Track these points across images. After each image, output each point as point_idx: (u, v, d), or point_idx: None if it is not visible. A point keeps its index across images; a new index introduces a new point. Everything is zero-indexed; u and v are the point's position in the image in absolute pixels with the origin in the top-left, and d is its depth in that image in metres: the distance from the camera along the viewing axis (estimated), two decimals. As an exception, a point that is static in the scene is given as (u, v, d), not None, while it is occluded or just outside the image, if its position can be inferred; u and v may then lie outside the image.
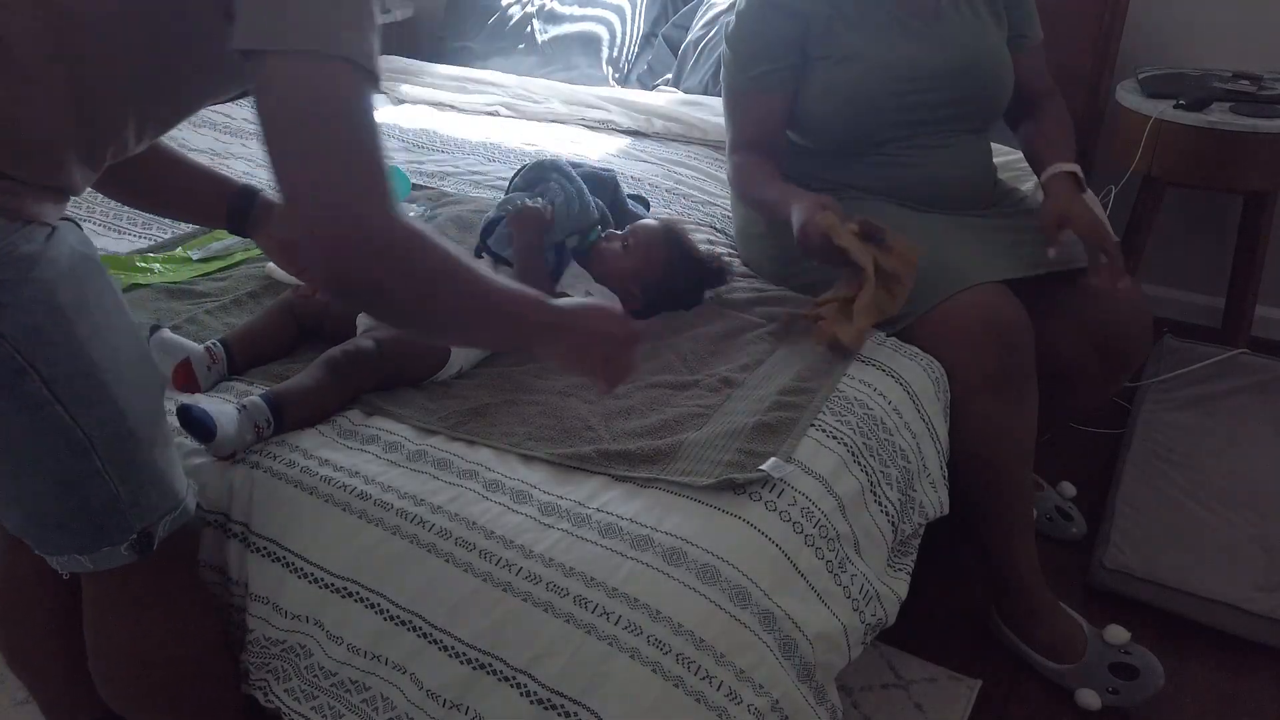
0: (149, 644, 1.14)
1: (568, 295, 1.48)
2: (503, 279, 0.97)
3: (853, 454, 1.25)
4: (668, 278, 1.55)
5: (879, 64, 1.55)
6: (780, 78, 1.59)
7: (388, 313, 0.92)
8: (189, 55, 0.95)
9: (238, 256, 1.76)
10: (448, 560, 1.09)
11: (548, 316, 0.99)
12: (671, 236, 1.58)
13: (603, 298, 1.50)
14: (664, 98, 2.51)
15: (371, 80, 0.84)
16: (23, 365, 0.92)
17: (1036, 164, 1.64)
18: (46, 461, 0.97)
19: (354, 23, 0.82)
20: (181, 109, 1.04)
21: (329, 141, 0.81)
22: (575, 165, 1.66)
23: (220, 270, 1.71)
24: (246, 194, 1.30)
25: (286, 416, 1.25)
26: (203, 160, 2.32)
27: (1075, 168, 1.55)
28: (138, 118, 0.97)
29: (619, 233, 1.59)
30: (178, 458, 1.09)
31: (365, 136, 0.83)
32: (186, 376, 1.33)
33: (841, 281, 1.43)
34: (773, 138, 1.64)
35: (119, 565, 1.04)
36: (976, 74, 1.59)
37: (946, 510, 1.41)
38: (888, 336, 1.48)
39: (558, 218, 1.51)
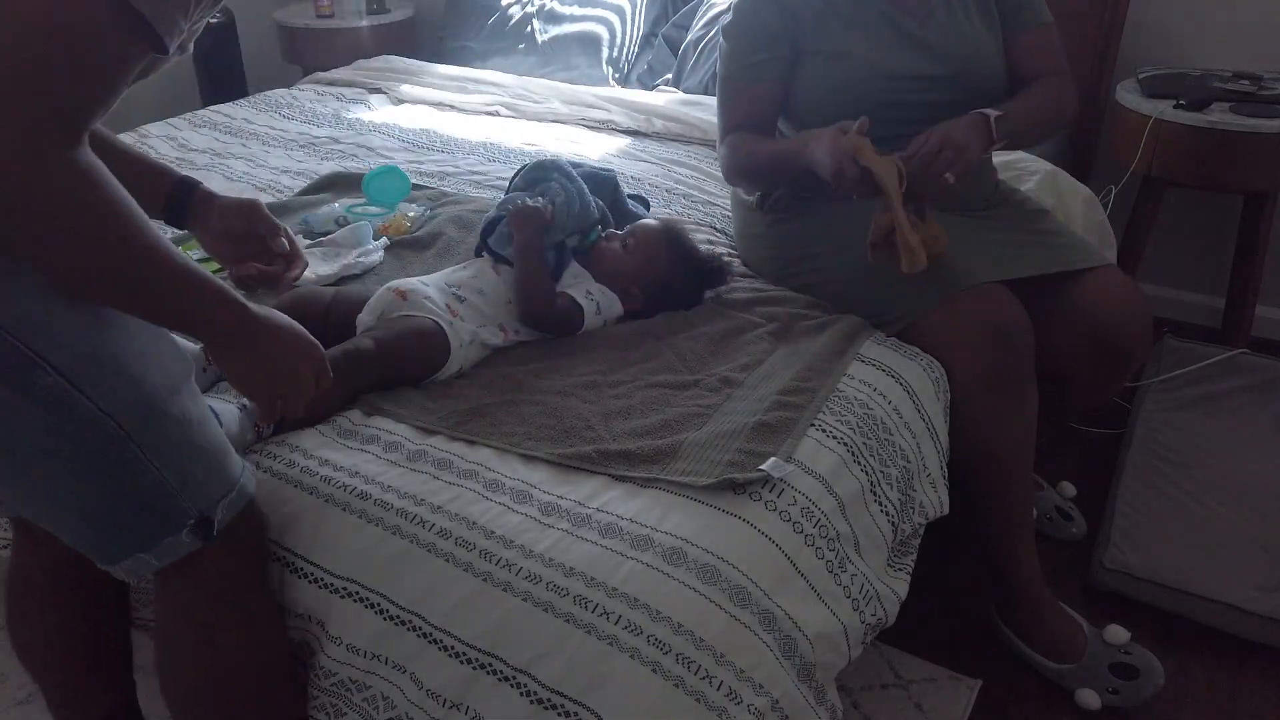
0: (219, 650, 1.09)
1: (569, 294, 1.48)
2: (193, 262, 0.91)
3: (853, 454, 1.25)
4: (668, 278, 1.55)
5: (868, 63, 1.56)
6: (772, 68, 1.60)
7: (21, 249, 0.84)
8: None
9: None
10: (448, 560, 1.09)
11: (243, 321, 0.95)
12: (672, 236, 1.58)
13: (603, 297, 1.51)
14: (664, 98, 2.51)
15: (152, 40, 0.78)
16: (30, 357, 0.87)
17: None
18: (83, 459, 0.93)
19: None
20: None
21: (63, 60, 0.75)
22: (575, 165, 1.66)
23: (218, 271, 1.71)
24: (184, 185, 1.21)
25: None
26: (202, 160, 2.31)
27: (994, 112, 1.47)
28: None
29: (619, 233, 1.59)
30: (224, 437, 1.05)
31: (95, 79, 0.77)
32: None
33: (878, 213, 1.39)
34: (763, 125, 1.64)
35: (185, 554, 1.00)
36: (966, 77, 1.59)
37: (946, 510, 1.41)
38: (888, 337, 1.48)
39: (558, 217, 1.51)
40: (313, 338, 1.06)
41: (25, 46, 0.74)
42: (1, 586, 1.25)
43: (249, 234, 1.24)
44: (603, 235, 1.58)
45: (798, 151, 1.49)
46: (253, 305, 0.98)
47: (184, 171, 1.23)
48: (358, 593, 1.12)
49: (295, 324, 1.05)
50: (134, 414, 0.94)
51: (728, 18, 1.66)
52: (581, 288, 1.50)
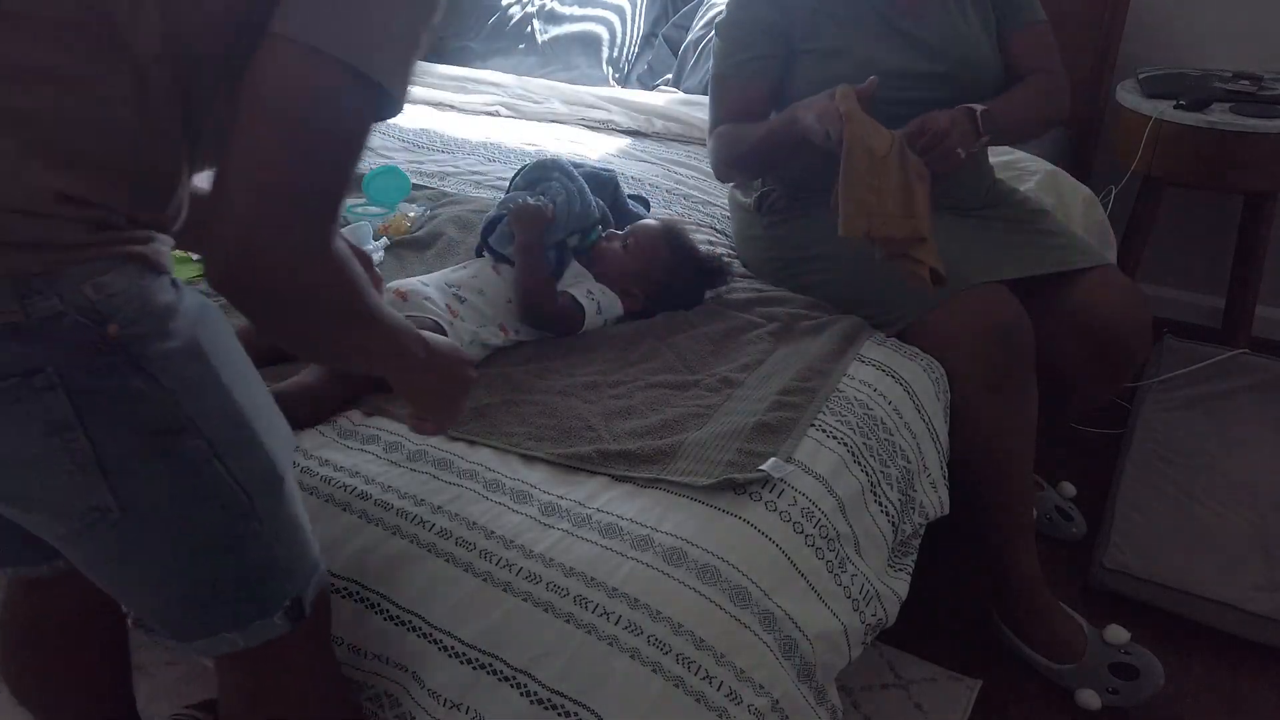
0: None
1: (570, 293, 1.48)
2: (391, 310, 0.94)
3: (853, 454, 1.25)
4: (668, 277, 1.55)
5: (862, 62, 1.55)
6: (764, 65, 1.59)
7: (266, 327, 0.86)
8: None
9: None
10: (448, 560, 1.09)
11: (424, 352, 0.98)
12: (672, 236, 1.58)
13: (603, 297, 1.51)
14: (664, 98, 2.51)
15: (388, 108, 0.80)
16: (185, 420, 0.85)
17: None
18: (204, 529, 0.89)
19: (398, 45, 0.79)
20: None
21: (325, 157, 0.77)
22: (576, 165, 1.66)
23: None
24: None
25: (286, 415, 1.25)
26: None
27: (980, 107, 1.46)
28: (218, 131, 0.87)
29: (619, 233, 1.59)
30: (307, 517, 1.02)
31: (351, 164, 0.79)
32: None
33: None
34: (753, 121, 1.62)
35: (274, 638, 0.96)
36: (961, 74, 1.59)
37: (947, 510, 1.41)
38: (888, 337, 1.48)
39: (559, 216, 1.51)
40: (463, 350, 1.11)
41: (299, 150, 0.75)
42: None
43: None
44: (603, 235, 1.58)
45: (789, 122, 1.45)
46: (424, 334, 1.00)
47: None
48: (358, 593, 1.12)
49: (450, 342, 1.09)
50: (262, 488, 0.92)
51: (722, 14, 1.66)
52: (582, 287, 1.50)
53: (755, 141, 1.57)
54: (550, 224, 1.49)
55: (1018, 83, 1.63)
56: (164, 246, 0.86)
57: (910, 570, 1.31)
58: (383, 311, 0.91)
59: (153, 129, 0.81)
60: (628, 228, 1.60)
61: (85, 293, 0.78)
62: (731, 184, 1.81)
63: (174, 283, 0.87)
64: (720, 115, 1.65)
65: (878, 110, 1.52)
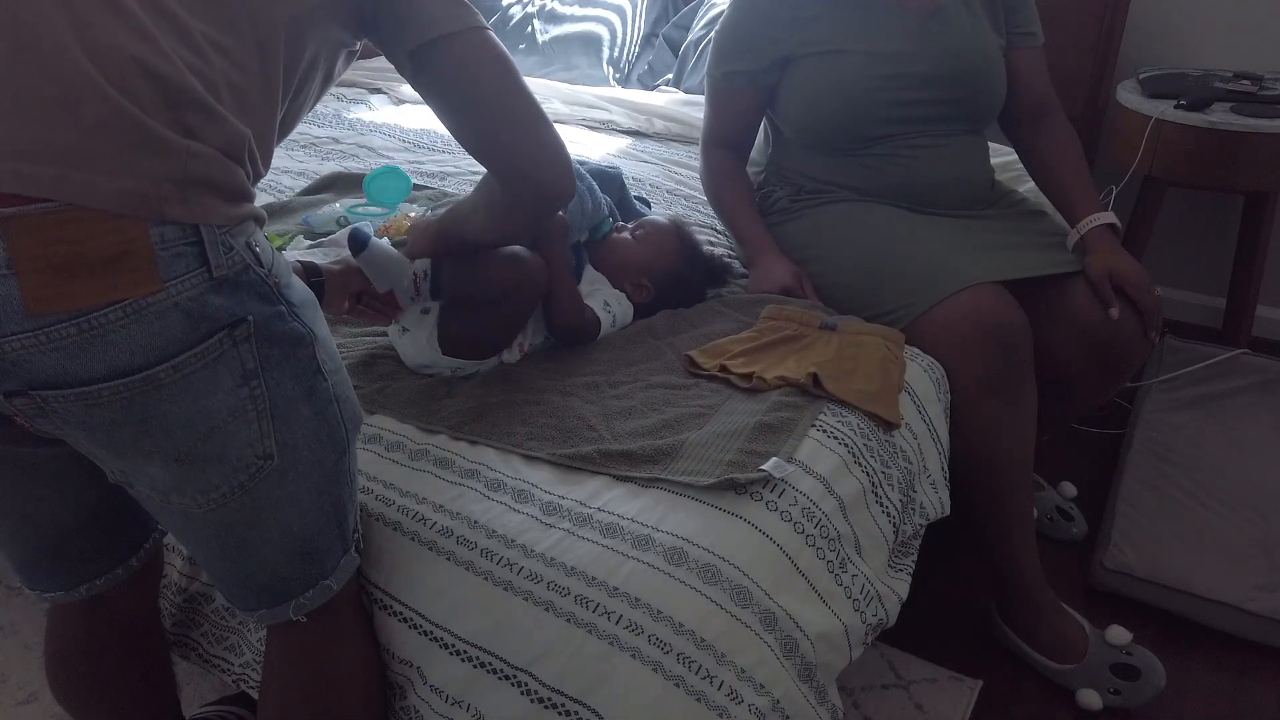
0: (347, 683, 1.08)
1: (590, 307, 1.46)
2: None
3: (853, 454, 1.25)
4: (679, 268, 1.54)
5: (869, 59, 1.55)
6: (749, 79, 1.63)
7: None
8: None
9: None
10: (449, 559, 1.09)
11: None
12: (681, 230, 1.58)
13: (618, 307, 1.48)
14: (664, 98, 2.51)
15: None
16: (319, 362, 0.92)
17: (1065, 206, 1.65)
18: (322, 468, 0.95)
19: None
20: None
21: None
22: (580, 163, 1.65)
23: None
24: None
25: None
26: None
27: (1113, 218, 1.59)
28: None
29: (627, 226, 1.58)
30: None
31: None
32: None
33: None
34: (742, 137, 1.71)
35: (351, 572, 1.04)
36: (969, 78, 1.59)
37: (948, 511, 1.41)
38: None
39: (572, 216, 1.47)
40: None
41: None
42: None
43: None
44: (614, 227, 1.57)
45: (753, 246, 1.63)
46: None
47: None
48: (360, 588, 1.12)
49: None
50: (353, 426, 0.99)
51: (725, 11, 1.68)
52: (599, 298, 1.47)
53: (725, 218, 1.72)
54: (566, 229, 1.47)
55: (1031, 116, 1.69)
56: None
57: (911, 570, 1.31)
58: None
59: (268, 94, 0.90)
60: (634, 221, 1.60)
61: (250, 246, 0.86)
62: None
63: None
64: (711, 127, 1.72)
65: (882, 112, 1.53)
